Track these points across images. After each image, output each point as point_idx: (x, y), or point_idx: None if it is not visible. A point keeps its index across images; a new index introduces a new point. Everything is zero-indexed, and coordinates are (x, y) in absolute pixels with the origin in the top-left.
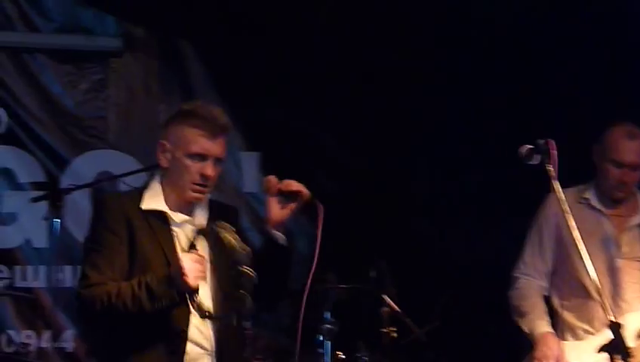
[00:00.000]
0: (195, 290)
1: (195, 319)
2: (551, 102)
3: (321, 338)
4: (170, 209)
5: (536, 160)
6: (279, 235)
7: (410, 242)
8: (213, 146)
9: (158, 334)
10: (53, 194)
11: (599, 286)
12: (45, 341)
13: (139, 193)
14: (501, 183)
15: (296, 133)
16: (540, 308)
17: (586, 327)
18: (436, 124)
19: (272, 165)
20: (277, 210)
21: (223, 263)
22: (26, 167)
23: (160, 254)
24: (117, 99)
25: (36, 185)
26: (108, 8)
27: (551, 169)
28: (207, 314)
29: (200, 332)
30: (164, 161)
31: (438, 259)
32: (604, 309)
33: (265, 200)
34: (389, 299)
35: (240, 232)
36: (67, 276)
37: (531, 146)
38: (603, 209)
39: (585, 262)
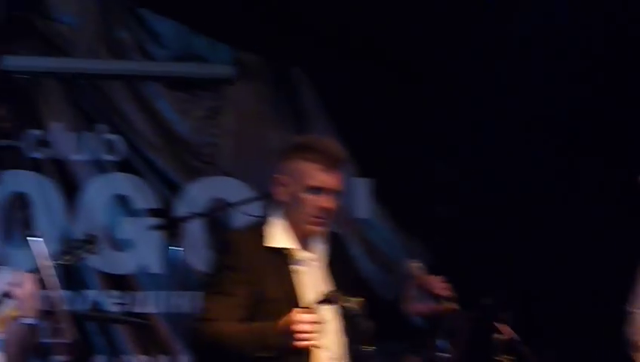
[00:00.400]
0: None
1: None
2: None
3: None
4: (292, 245)
5: None
6: (417, 320)
7: (528, 268)
8: (331, 179)
9: None
10: (171, 222)
11: None
12: None
13: (261, 229)
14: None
15: (408, 159)
16: None
17: None
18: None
19: (384, 191)
20: (415, 302)
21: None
22: (141, 193)
23: (284, 293)
24: (230, 126)
25: (151, 212)
26: (221, 36)
27: None
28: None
29: None
30: (281, 196)
31: (555, 285)
32: None
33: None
34: (505, 326)
35: (348, 259)
36: (182, 302)
37: None
38: None
39: None
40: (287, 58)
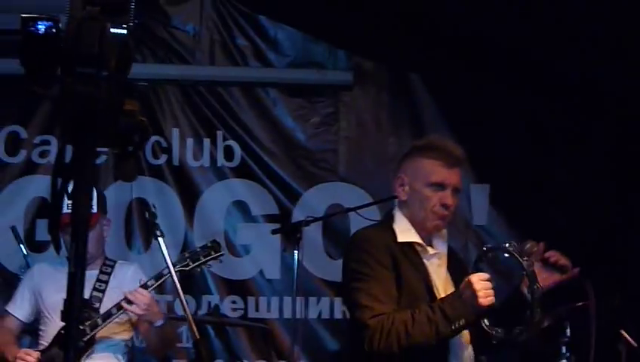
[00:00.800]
0: (488, 310)
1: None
2: None
3: None
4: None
5: None
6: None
7: None
8: (452, 176)
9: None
10: (290, 227)
11: None
12: None
13: (389, 227)
14: None
15: (525, 163)
16: None
17: None
18: None
19: (502, 198)
20: (541, 278)
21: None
22: (259, 199)
23: (422, 284)
24: (347, 133)
25: (269, 218)
26: (339, 43)
27: None
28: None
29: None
30: (402, 194)
31: None
32: None
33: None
34: (626, 335)
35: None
36: (299, 308)
37: None
38: None
39: None
40: (405, 64)
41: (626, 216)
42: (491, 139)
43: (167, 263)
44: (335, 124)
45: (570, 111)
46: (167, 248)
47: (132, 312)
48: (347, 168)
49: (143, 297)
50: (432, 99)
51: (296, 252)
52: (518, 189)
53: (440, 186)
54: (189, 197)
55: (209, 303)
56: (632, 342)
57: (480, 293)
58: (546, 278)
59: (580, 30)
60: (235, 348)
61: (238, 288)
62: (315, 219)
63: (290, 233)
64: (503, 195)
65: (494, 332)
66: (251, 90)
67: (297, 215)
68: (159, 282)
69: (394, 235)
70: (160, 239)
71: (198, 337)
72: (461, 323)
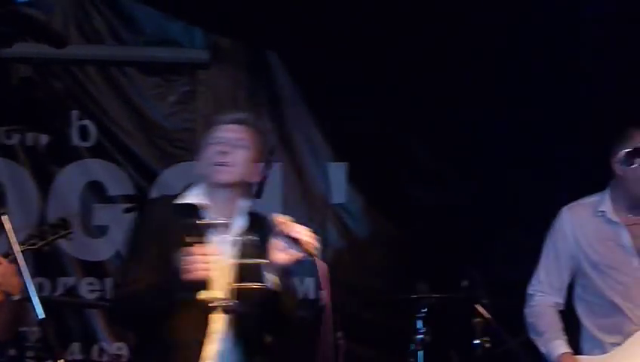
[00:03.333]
0: (199, 283)
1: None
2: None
3: (414, 347)
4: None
5: (636, 163)
6: (270, 277)
7: (503, 251)
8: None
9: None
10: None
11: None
12: None
13: None
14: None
15: (384, 142)
16: (556, 326)
17: (615, 341)
18: (531, 130)
19: (360, 175)
20: (277, 252)
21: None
22: (115, 179)
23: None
24: (205, 111)
25: (126, 198)
26: (195, 21)
27: None
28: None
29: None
30: None
31: (531, 268)
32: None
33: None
34: (481, 309)
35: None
36: None
37: (631, 150)
38: (619, 220)
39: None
40: (262, 42)
41: (480, 192)
42: (349, 117)
43: (10, 241)
44: (192, 102)
45: (427, 87)
46: (21, 230)
47: None
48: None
49: (2, 266)
50: (290, 76)
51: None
52: (376, 167)
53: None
54: (43, 178)
55: (64, 285)
56: (487, 314)
57: (188, 266)
58: (285, 253)
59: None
60: (93, 330)
61: (95, 270)
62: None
63: None
64: (362, 173)
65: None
66: (107, 69)
67: (154, 195)
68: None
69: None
70: (4, 217)
71: (43, 316)
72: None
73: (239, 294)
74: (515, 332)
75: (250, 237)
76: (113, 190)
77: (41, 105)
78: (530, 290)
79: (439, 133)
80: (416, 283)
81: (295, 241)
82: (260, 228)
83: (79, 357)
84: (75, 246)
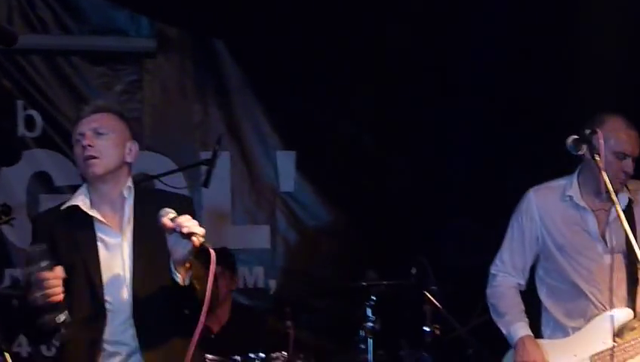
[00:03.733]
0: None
1: None
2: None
3: (363, 335)
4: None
5: (582, 150)
6: (177, 275)
7: (451, 239)
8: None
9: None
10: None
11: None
12: None
13: None
14: (540, 180)
15: (332, 131)
16: (518, 307)
17: (577, 325)
18: (475, 121)
19: (308, 164)
20: (175, 248)
21: None
22: (61, 170)
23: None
24: (152, 100)
25: (73, 189)
26: (142, 9)
27: (598, 159)
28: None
29: None
30: None
31: (480, 255)
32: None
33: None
34: (430, 296)
35: None
36: None
37: (577, 137)
38: (586, 205)
39: (576, 260)
40: (209, 31)
41: (429, 180)
42: (297, 105)
43: None
44: (139, 92)
45: (374, 76)
46: None
47: None
48: (152, 136)
49: None
50: (238, 66)
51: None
52: (324, 155)
53: None
54: None
55: (11, 276)
56: (436, 303)
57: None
58: (181, 248)
59: None
60: None
61: None
62: None
63: None
64: (310, 162)
65: None
66: (52, 59)
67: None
68: None
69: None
70: None
71: None
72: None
73: (141, 276)
74: (464, 319)
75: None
76: (60, 180)
77: None
78: (492, 270)
79: (386, 122)
80: (366, 270)
81: (184, 235)
82: (152, 204)
83: (27, 349)
84: (21, 236)
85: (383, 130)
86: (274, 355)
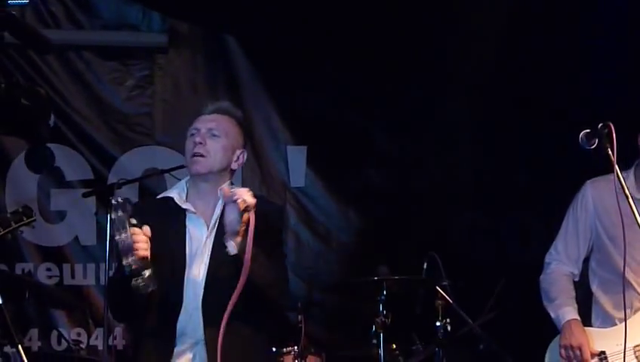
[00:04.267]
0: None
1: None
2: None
3: (375, 330)
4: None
5: (594, 144)
6: (230, 244)
7: (463, 234)
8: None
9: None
10: (103, 189)
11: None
12: (95, 339)
13: None
14: (554, 176)
15: (343, 126)
16: (568, 293)
17: (622, 316)
18: (485, 115)
19: (320, 159)
20: (228, 216)
21: None
22: (73, 164)
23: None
24: (163, 95)
25: (84, 183)
26: (153, 4)
27: (611, 153)
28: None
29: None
30: None
31: (491, 250)
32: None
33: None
34: (442, 291)
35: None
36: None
37: (590, 131)
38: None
39: (627, 252)
40: (220, 26)
41: (440, 176)
42: (308, 101)
43: None
44: (150, 87)
45: (387, 73)
46: None
47: None
48: (163, 131)
49: None
50: (249, 61)
51: (109, 215)
52: (335, 151)
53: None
54: (0, 164)
55: (22, 270)
56: (448, 298)
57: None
58: (236, 219)
59: None
60: (51, 317)
61: (53, 255)
62: (128, 181)
63: (103, 196)
64: (321, 157)
65: None
66: (64, 53)
67: (113, 180)
68: None
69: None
70: None
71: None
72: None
73: (215, 270)
74: (476, 314)
75: None
76: (71, 175)
77: None
78: (547, 259)
79: (398, 117)
80: (377, 266)
81: (235, 202)
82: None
83: (37, 343)
84: (32, 231)
85: (394, 125)
86: (285, 349)
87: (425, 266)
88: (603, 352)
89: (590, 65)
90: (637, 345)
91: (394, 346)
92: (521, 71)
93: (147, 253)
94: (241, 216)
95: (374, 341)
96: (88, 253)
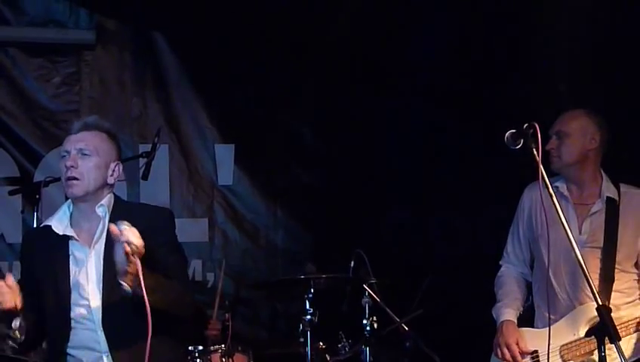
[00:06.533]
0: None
1: None
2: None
3: (302, 328)
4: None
5: (520, 144)
6: (124, 285)
7: (391, 233)
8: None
9: None
10: (29, 187)
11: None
12: None
13: None
14: (478, 173)
15: (271, 124)
16: (512, 295)
17: (552, 316)
18: (413, 115)
19: (248, 157)
20: (118, 259)
21: None
22: None
23: None
24: (90, 93)
25: (9, 181)
26: (80, 1)
27: (536, 153)
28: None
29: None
30: None
31: (418, 249)
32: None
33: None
34: (369, 289)
35: None
36: None
37: (515, 131)
38: (569, 196)
39: (552, 252)
40: (148, 23)
41: (367, 172)
42: (237, 99)
43: None
44: (77, 84)
45: (313, 70)
46: None
47: None
48: None
49: None
50: (177, 59)
51: (35, 213)
52: (263, 149)
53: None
54: None
55: None
56: (375, 296)
57: None
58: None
59: None
60: None
61: None
62: (55, 180)
63: (30, 194)
64: (249, 155)
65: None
66: None
67: (39, 177)
68: None
69: None
70: None
71: None
72: None
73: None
74: (402, 312)
75: None
76: None
77: None
78: (500, 262)
79: (326, 116)
80: (305, 264)
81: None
82: (127, 218)
83: None
84: None
85: (322, 124)
86: (213, 348)
87: (352, 264)
88: (535, 351)
89: (518, 65)
90: (563, 345)
91: (321, 344)
92: (449, 69)
93: (12, 304)
94: (122, 253)
95: (301, 339)
96: (14, 250)
